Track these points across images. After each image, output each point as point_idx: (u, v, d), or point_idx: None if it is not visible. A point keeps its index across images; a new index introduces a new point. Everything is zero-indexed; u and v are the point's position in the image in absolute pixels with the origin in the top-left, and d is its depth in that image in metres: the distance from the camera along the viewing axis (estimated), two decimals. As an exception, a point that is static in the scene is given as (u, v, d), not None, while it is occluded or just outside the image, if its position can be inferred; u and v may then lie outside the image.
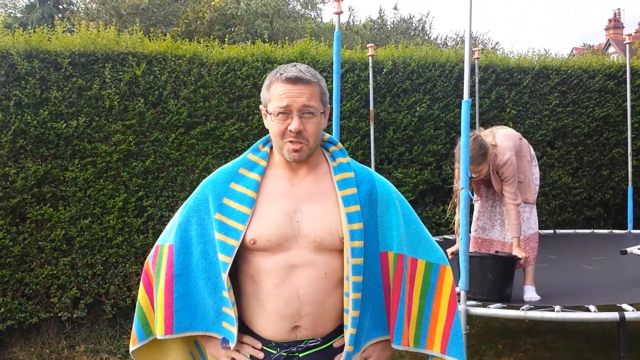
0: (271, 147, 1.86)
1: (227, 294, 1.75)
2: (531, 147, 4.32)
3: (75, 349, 5.00)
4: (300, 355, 1.80)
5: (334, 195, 1.79)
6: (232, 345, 1.80)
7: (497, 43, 25.49)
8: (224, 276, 1.75)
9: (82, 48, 5.21)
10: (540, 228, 6.53)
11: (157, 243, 1.91)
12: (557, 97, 7.03)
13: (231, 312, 1.77)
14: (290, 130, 1.72)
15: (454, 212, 4.13)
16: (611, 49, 26.70)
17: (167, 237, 1.88)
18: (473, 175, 4.04)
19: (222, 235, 1.76)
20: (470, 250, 3.91)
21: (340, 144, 1.89)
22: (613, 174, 7.30)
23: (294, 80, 1.72)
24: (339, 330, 1.82)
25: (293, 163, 1.80)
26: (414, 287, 1.87)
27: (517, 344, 5.10)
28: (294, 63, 1.79)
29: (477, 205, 4.32)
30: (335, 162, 1.84)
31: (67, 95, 5.12)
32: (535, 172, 4.29)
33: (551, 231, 6.64)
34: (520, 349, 4.99)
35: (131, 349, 1.91)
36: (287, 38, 8.10)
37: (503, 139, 4.07)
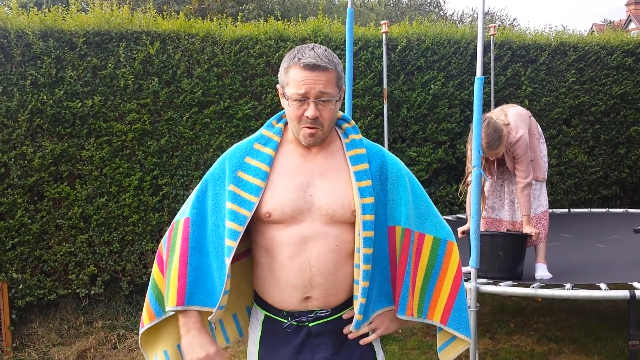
0: (285, 124, 1.90)
1: (227, 261, 1.78)
2: (538, 124, 4.32)
3: (92, 324, 5.11)
4: (310, 324, 1.85)
5: (347, 171, 1.84)
6: (214, 310, 1.81)
7: (514, 19, 25.13)
8: (229, 242, 1.78)
9: (97, 27, 5.24)
10: (555, 207, 6.54)
11: (174, 220, 1.95)
12: (574, 74, 6.94)
13: (226, 282, 1.79)
14: (307, 117, 1.76)
15: (467, 192, 4.13)
16: (632, 25, 26.17)
17: (184, 212, 1.92)
18: (490, 158, 4.04)
19: (234, 205, 1.80)
20: (481, 230, 3.91)
21: (352, 121, 1.93)
22: (630, 153, 7.22)
23: (312, 67, 1.73)
24: (348, 303, 1.87)
25: None
26: (419, 261, 1.92)
27: (529, 323, 5.12)
28: (312, 46, 1.78)
29: (487, 185, 4.32)
30: (347, 138, 1.88)
31: (82, 75, 5.17)
32: (543, 149, 4.30)
33: (566, 210, 6.61)
34: (532, 328, 5.00)
35: (146, 326, 1.94)
36: (300, 15, 8.05)
37: (515, 117, 4.06)
